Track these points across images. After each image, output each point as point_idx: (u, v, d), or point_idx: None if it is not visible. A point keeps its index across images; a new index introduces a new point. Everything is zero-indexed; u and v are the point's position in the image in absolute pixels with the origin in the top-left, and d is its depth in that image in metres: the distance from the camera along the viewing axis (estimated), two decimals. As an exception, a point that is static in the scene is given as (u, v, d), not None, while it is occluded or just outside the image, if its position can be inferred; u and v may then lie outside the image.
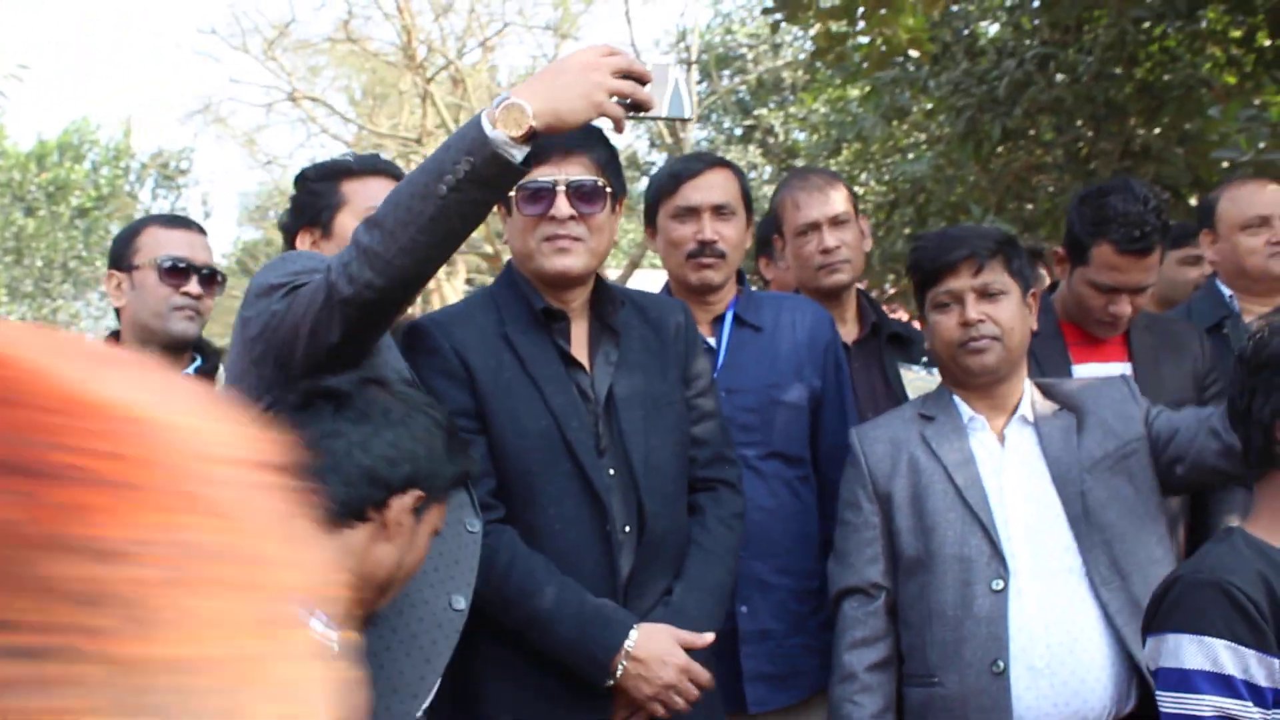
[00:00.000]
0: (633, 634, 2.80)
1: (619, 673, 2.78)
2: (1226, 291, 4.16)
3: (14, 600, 0.48)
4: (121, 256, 3.63)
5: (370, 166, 3.24)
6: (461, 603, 2.62)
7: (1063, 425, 3.08)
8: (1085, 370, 3.68)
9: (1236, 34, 9.14)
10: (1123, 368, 3.72)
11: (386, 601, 2.34)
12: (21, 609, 0.48)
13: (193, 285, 3.57)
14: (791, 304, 3.66)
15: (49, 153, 22.14)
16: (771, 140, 18.37)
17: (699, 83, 18.56)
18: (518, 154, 2.36)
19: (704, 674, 2.84)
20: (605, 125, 2.53)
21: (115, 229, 22.68)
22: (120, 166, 23.39)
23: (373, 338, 2.54)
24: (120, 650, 0.49)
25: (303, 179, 3.36)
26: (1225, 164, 6.26)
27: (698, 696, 2.83)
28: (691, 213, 3.52)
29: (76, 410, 0.52)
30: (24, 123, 53.75)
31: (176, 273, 3.56)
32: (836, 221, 3.85)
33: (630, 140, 20.91)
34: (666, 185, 3.58)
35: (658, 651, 2.79)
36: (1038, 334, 3.26)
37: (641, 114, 2.51)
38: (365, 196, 2.98)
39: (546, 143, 2.77)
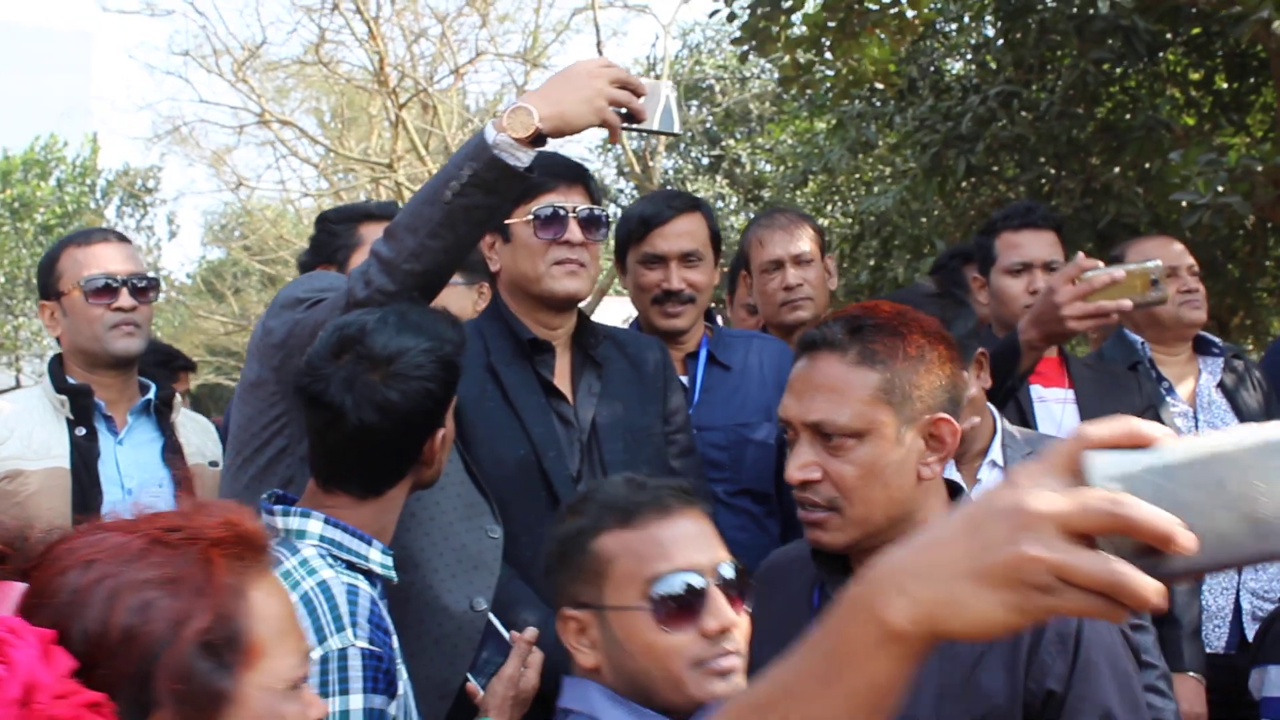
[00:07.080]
0: None
1: None
2: (1137, 339, 4.25)
3: None
4: (47, 285, 3.50)
5: (388, 212, 3.37)
6: (483, 604, 2.74)
7: None
8: None
9: (1196, 76, 9.35)
10: None
11: None
12: None
13: (124, 299, 3.43)
14: (760, 343, 3.70)
15: (14, 169, 21.94)
16: (738, 171, 18.51)
17: (667, 112, 18.66)
18: (523, 157, 2.46)
19: None
20: (599, 134, 2.61)
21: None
22: (86, 184, 23.23)
23: None
24: None
25: (323, 220, 3.62)
26: (1184, 205, 6.41)
27: None
28: (659, 260, 3.56)
29: None
30: (-14, 138, 53.15)
31: (104, 291, 3.41)
32: (800, 260, 3.94)
33: (598, 167, 20.99)
34: (636, 230, 3.60)
35: None
36: None
37: (635, 125, 2.60)
38: None
39: (551, 173, 2.93)
